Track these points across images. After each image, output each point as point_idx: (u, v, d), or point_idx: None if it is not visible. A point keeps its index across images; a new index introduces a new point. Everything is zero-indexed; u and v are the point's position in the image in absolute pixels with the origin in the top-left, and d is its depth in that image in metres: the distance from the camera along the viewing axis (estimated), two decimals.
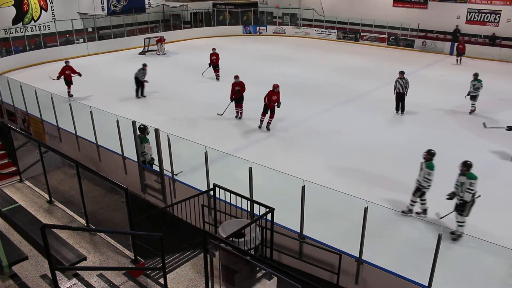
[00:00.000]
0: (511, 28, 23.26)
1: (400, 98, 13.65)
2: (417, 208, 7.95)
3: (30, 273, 4.96)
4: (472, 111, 13.80)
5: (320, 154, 10.96)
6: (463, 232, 6.99)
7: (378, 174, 9.75)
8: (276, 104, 12.09)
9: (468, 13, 24.63)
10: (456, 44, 22.29)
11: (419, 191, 7.76)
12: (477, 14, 24.35)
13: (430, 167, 7.57)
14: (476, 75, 13.33)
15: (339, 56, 23.82)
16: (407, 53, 24.47)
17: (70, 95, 15.52)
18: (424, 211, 7.90)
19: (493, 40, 23.66)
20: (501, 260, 6.49)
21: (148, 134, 9.13)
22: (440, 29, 25.56)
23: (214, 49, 18.16)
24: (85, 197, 5.89)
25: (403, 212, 7.95)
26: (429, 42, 25.15)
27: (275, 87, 12.08)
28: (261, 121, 12.48)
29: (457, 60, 21.66)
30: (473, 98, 13.49)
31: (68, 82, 15.68)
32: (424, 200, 7.89)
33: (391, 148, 11.29)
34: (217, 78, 18.00)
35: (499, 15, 23.60)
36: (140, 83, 15.45)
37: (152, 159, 9.35)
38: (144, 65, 15.44)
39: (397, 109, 13.92)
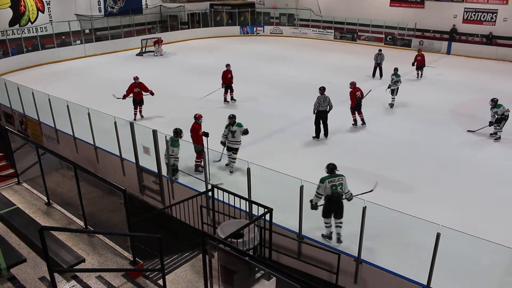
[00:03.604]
0: (508, 27, 23.33)
1: (379, 67, 18.29)
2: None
3: (28, 276, 4.95)
4: (391, 105, 14.54)
5: (319, 154, 10.97)
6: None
7: (377, 174, 9.75)
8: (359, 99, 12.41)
9: (465, 13, 24.70)
10: (415, 55, 18.42)
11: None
12: (474, 13, 24.42)
13: (240, 125, 9.53)
14: (396, 69, 14.40)
15: (336, 56, 23.84)
16: (404, 52, 24.47)
17: (135, 119, 13.06)
18: (234, 159, 9.66)
19: (490, 39, 23.74)
20: (500, 258, 6.51)
21: (181, 138, 8.84)
22: (437, 28, 25.63)
23: (228, 65, 14.78)
24: (83, 199, 5.88)
25: (224, 163, 9.82)
26: (426, 42, 25.20)
27: (352, 84, 12.51)
28: (354, 120, 12.78)
29: (417, 74, 18.50)
30: (393, 92, 14.28)
31: (138, 102, 13.24)
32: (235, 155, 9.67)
33: (389, 148, 11.31)
34: (232, 99, 15.09)
35: (495, 14, 23.69)
36: None
37: (174, 164, 8.95)
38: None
39: (373, 75, 18.35)
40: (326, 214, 7.06)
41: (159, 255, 5.15)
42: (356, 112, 12.65)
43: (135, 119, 12.98)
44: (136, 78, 13.24)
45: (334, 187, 6.90)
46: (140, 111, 13.41)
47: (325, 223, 7.15)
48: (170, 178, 8.96)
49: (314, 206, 7.07)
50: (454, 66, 21.36)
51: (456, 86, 17.47)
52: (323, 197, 6.99)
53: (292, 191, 6.95)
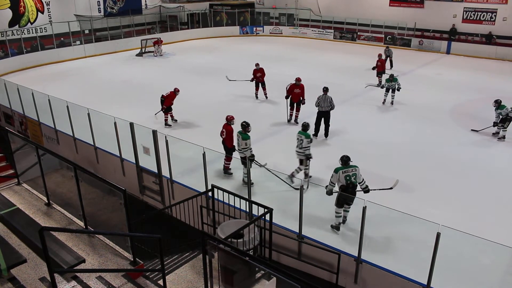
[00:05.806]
0: (507, 26, 23.34)
1: (389, 59, 19.75)
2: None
3: (28, 276, 4.95)
4: (384, 101, 14.92)
5: (319, 154, 10.95)
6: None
7: (377, 174, 9.75)
8: (300, 99, 12.62)
9: (465, 12, 24.70)
10: (376, 60, 17.40)
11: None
12: (473, 13, 24.43)
13: (307, 136, 8.95)
14: (391, 76, 14.68)
15: (336, 56, 23.84)
16: (404, 52, 24.50)
17: (168, 124, 13.10)
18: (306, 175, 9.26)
19: (489, 39, 23.74)
20: (500, 258, 6.51)
21: (249, 131, 9.05)
22: (437, 28, 25.63)
23: (257, 64, 15.38)
24: (83, 199, 5.89)
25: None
26: (426, 41, 25.21)
27: (298, 80, 12.57)
28: (290, 115, 13.07)
29: (379, 82, 16.68)
30: (388, 90, 14.71)
31: (169, 109, 13.24)
32: (301, 167, 9.13)
33: (389, 147, 11.30)
34: (265, 96, 15.64)
35: (495, 13, 23.69)
36: None
37: (253, 155, 8.98)
38: None
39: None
40: (339, 204, 7.28)
41: (159, 255, 5.15)
42: (293, 108, 12.97)
43: (168, 125, 13.04)
44: (177, 91, 13.13)
45: (348, 177, 7.13)
46: (172, 116, 13.33)
47: (336, 212, 7.37)
48: (248, 167, 8.60)
49: (329, 192, 7.33)
50: (454, 65, 21.37)
51: (456, 86, 17.47)
52: (336, 185, 7.25)
53: (292, 190, 6.95)
